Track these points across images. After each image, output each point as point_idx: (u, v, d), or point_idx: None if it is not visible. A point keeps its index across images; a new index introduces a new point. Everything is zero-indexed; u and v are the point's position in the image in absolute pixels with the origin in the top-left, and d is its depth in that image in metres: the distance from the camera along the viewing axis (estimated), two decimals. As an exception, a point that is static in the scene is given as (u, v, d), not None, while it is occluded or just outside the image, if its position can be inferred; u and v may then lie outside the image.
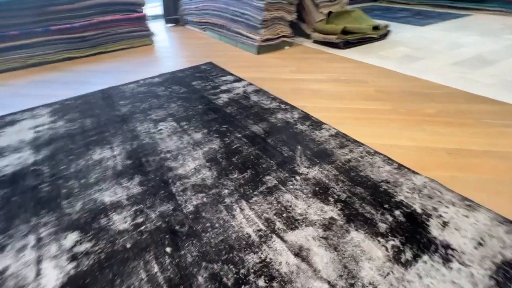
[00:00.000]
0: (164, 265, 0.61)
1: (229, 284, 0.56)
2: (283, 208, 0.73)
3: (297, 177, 0.84)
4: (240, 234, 0.67)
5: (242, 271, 0.58)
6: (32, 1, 1.99)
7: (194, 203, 0.77)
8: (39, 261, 0.63)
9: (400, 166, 0.86)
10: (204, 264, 0.60)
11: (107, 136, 1.10)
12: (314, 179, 0.83)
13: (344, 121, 1.14)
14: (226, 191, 0.80)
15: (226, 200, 0.77)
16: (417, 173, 0.83)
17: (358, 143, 0.98)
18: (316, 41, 2.22)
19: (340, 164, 0.88)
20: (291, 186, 0.80)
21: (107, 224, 0.72)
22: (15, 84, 1.73)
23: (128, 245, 0.66)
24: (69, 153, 1.01)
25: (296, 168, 0.87)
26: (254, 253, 0.62)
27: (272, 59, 1.93)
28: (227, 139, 1.04)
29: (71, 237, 0.68)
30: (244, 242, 0.65)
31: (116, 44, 2.29)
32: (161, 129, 1.13)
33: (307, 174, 0.84)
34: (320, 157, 0.91)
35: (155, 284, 0.57)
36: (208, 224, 0.70)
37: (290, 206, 0.74)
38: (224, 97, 1.37)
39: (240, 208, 0.74)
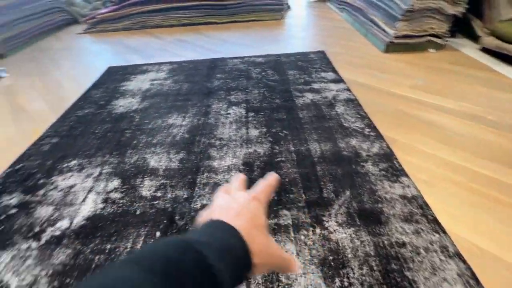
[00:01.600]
0: (145, 247, 0.66)
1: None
2: (274, 258, 0.62)
3: (317, 230, 0.67)
4: (216, 259, 0.63)
5: None
6: (199, -31, 2.34)
7: (204, 202, 0.77)
8: (90, 191, 0.83)
9: (486, 300, 0.53)
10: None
11: (188, 105, 1.24)
12: (336, 243, 0.64)
13: (440, 186, 0.78)
14: (237, 204, 0.75)
15: (230, 215, 0.72)
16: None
17: (438, 228, 0.66)
18: (485, 49, 1.55)
19: (386, 243, 0.63)
20: (302, 237, 0.66)
21: (139, 185, 0.84)
22: (165, 39, 2.18)
23: (138, 212, 0.75)
24: (157, 110, 1.22)
25: (324, 218, 0.70)
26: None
27: (397, 63, 1.52)
28: (277, 147, 0.95)
29: (115, 183, 0.85)
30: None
31: (248, 15, 2.42)
32: (229, 113, 1.16)
33: (331, 233, 0.66)
34: (366, 220, 0.69)
35: (130, 259, 0.64)
36: (199, 230, 0.69)
37: (284, 260, 0.61)
38: (308, 98, 1.23)
39: (236, 231, 0.68)
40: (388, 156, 0.88)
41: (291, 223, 0.70)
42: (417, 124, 1.04)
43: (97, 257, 0.65)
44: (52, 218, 0.76)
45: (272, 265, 0.26)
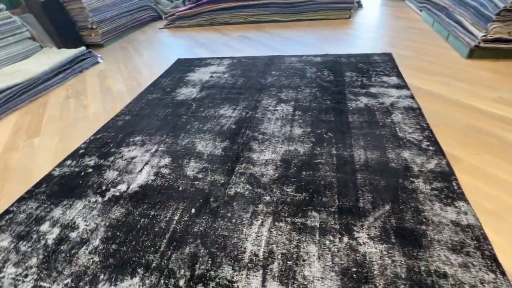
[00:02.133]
0: (181, 220, 0.74)
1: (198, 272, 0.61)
2: (294, 256, 0.62)
3: (345, 239, 0.64)
4: (239, 243, 0.66)
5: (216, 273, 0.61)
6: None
7: (238, 190, 0.81)
8: (146, 163, 0.96)
9: None
10: (198, 241, 0.68)
11: (240, 98, 1.30)
12: (363, 256, 0.60)
13: (510, 220, 0.65)
14: (268, 198, 0.77)
15: (259, 206, 0.75)
16: None
17: (495, 267, 0.56)
18: None
19: (422, 269, 0.57)
20: (327, 242, 0.64)
21: (185, 164, 0.93)
22: (230, 35, 2.31)
23: (180, 188, 0.84)
24: (212, 100, 1.32)
25: (355, 228, 0.66)
26: (233, 270, 0.61)
27: (481, 71, 1.29)
28: (318, 149, 0.93)
29: (166, 160, 0.97)
30: (235, 253, 0.64)
31: (314, 13, 2.37)
32: (277, 110, 1.18)
33: (360, 244, 0.63)
34: (403, 239, 0.62)
35: (164, 229, 0.72)
36: (229, 214, 0.74)
37: (304, 261, 0.61)
38: (362, 102, 1.15)
39: (262, 223, 0.70)
40: (445, 176, 0.77)
41: (318, 225, 0.68)
42: (494, 144, 0.87)
43: (142, 220, 0.76)
44: (115, 181, 0.91)
45: None
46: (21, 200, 0.89)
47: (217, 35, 2.40)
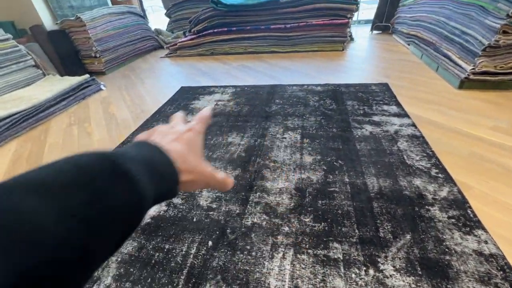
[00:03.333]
0: (198, 253, 0.71)
1: (219, 313, 0.57)
2: (322, 291, 0.60)
3: (370, 271, 0.63)
4: (261, 278, 0.64)
5: (236, 312, 0.57)
6: (270, 5, 2.57)
7: (254, 220, 0.80)
8: (157, 193, 0.94)
9: None
10: (218, 277, 0.65)
11: (247, 126, 1.33)
12: (392, 290, 0.59)
13: (530, 247, 0.66)
14: (286, 228, 0.76)
15: (278, 238, 0.73)
16: None
17: (525, 298, 0.55)
18: None
19: (453, 302, 0.56)
20: (353, 275, 0.62)
21: (198, 194, 0.92)
22: (231, 64, 2.41)
23: (195, 219, 0.82)
24: (219, 128, 1.33)
25: (379, 260, 0.65)
26: (258, 307, 0.58)
27: (474, 101, 1.37)
28: (331, 177, 0.94)
29: (177, 189, 0.95)
30: (259, 290, 0.61)
31: (310, 45, 2.52)
32: (285, 137, 1.20)
33: (387, 277, 0.61)
34: (429, 271, 0.62)
35: (182, 264, 0.69)
36: (248, 247, 0.72)
37: (332, 296, 0.59)
38: (367, 130, 1.19)
39: (283, 255, 0.69)
40: (459, 204, 0.78)
41: (341, 257, 0.67)
42: (498, 171, 0.91)
43: (156, 254, 0.72)
44: (125, 212, 0.88)
45: (204, 182, 0.27)
46: (23, 234, 0.83)
47: (218, 64, 2.49)
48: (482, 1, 1.45)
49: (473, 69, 1.43)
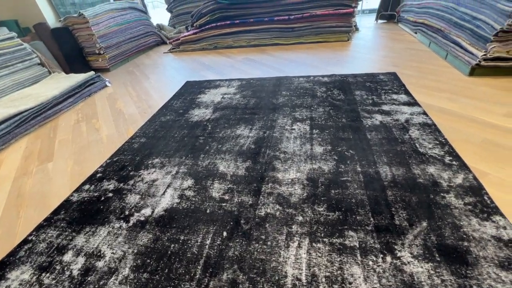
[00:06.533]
0: (213, 244, 0.71)
1: (238, 301, 0.58)
2: (340, 279, 0.60)
3: (388, 258, 0.63)
4: (278, 267, 0.64)
5: (254, 300, 0.58)
6: (272, -4, 2.53)
7: (268, 210, 0.80)
8: (168, 186, 0.95)
9: None
10: (235, 266, 0.65)
11: (255, 118, 1.32)
12: (411, 277, 0.58)
13: (550, 232, 0.65)
14: (301, 218, 0.76)
15: (293, 228, 0.73)
16: None
17: (547, 282, 0.55)
18: None
19: None
20: (370, 263, 0.62)
21: (209, 186, 0.92)
22: (235, 58, 2.39)
23: (208, 211, 0.82)
24: (227, 121, 1.33)
25: (396, 246, 0.65)
26: (276, 295, 0.58)
27: (487, 88, 1.35)
28: (343, 166, 0.93)
29: (189, 182, 0.95)
30: (276, 278, 0.62)
31: (314, 36, 2.49)
32: (294, 129, 1.19)
33: (405, 264, 0.61)
34: (448, 257, 0.61)
35: (198, 255, 0.70)
36: (263, 237, 0.72)
37: (350, 284, 0.59)
38: (377, 119, 1.18)
39: (299, 245, 0.68)
40: (476, 190, 0.77)
41: (357, 245, 0.67)
42: (514, 158, 0.89)
43: (172, 245, 0.73)
44: (138, 205, 0.88)
45: None
46: (40, 228, 0.85)
47: (222, 58, 2.47)
48: (493, -16, 1.40)
49: (484, 55, 1.39)
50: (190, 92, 1.76)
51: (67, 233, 0.81)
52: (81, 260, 0.72)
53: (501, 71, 1.42)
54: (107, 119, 1.56)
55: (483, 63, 1.41)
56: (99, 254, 0.73)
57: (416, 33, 2.33)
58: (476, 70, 1.46)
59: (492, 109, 1.17)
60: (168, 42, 3.23)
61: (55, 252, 0.76)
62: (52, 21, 2.40)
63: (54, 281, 0.68)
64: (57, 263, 0.72)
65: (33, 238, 0.81)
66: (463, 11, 1.64)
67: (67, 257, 0.74)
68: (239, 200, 0.84)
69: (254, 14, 2.64)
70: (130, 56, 2.81)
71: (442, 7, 1.91)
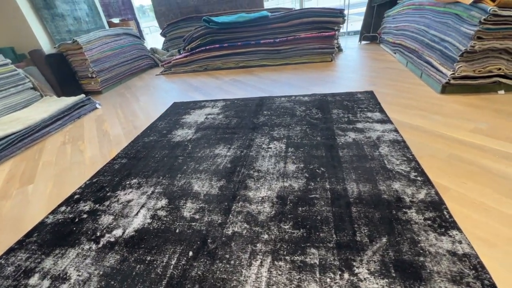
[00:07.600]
0: (178, 264, 0.72)
1: (194, 322, 0.58)
2: (296, 297, 0.60)
3: (345, 275, 0.64)
4: (238, 286, 0.64)
5: (210, 321, 0.58)
6: (260, 22, 2.67)
7: (236, 229, 0.81)
8: (142, 206, 0.96)
9: None
10: (196, 286, 0.66)
11: (234, 138, 1.36)
12: (366, 294, 0.59)
13: (503, 248, 0.67)
14: (266, 236, 0.77)
15: (257, 246, 0.74)
16: None
17: (496, 296, 0.56)
18: None
19: (425, 303, 0.56)
20: (328, 280, 0.63)
21: (182, 205, 0.94)
22: (222, 79, 2.48)
23: (177, 230, 0.83)
24: (207, 141, 1.36)
25: (355, 263, 0.66)
26: (233, 315, 0.59)
27: (456, 105, 1.40)
28: (312, 184, 0.95)
29: (162, 202, 0.97)
30: (234, 297, 0.62)
31: (299, 58, 2.59)
32: (270, 147, 1.22)
33: (361, 281, 0.62)
34: (403, 272, 0.62)
35: (161, 275, 0.70)
36: (227, 256, 0.73)
37: (306, 301, 0.59)
38: (350, 137, 1.22)
39: (261, 263, 0.69)
40: (436, 205, 0.79)
41: (317, 262, 0.68)
42: (477, 173, 0.92)
43: (137, 266, 0.73)
44: (110, 226, 0.89)
45: None
46: (10, 251, 0.85)
47: (210, 79, 2.56)
48: (457, 9, 1.51)
49: (453, 74, 1.47)
50: (176, 113, 1.81)
51: (36, 255, 0.82)
52: (46, 283, 0.72)
53: (470, 89, 1.49)
54: (92, 141, 1.60)
55: (452, 81, 1.48)
56: (65, 276, 0.74)
57: (395, 53, 2.44)
58: (447, 88, 1.53)
59: (460, 125, 1.21)
60: (160, 65, 3.35)
61: (22, 275, 0.76)
62: (47, 47, 2.50)
63: (16, 305, 0.67)
64: (21, 287, 0.72)
65: (2, 262, 0.81)
66: (433, 34, 1.74)
67: (33, 280, 0.74)
68: (209, 219, 0.86)
69: (242, 38, 2.77)
70: (123, 79, 2.90)
71: (416, 30, 2.02)
